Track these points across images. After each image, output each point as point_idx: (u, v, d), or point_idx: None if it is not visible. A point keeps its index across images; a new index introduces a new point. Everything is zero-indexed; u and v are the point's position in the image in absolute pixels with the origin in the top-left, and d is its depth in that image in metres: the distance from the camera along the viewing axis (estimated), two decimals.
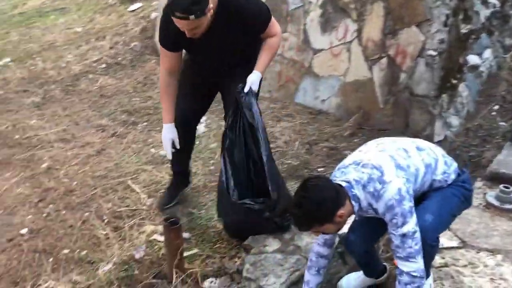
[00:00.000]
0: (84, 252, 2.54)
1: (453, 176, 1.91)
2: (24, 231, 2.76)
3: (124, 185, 3.16)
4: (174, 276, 2.23)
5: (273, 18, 2.43)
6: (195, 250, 2.51)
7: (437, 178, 1.87)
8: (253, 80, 2.38)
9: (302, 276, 2.26)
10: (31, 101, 4.66)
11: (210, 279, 2.31)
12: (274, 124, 3.87)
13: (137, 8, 6.77)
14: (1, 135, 4.00)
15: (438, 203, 1.88)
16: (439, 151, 1.95)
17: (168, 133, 2.53)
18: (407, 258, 1.74)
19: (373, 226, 1.96)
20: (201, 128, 3.89)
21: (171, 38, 2.34)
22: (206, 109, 2.79)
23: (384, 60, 3.52)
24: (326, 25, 3.84)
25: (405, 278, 1.75)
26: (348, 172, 1.81)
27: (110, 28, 6.40)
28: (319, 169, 3.23)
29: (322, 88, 3.97)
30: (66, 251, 2.57)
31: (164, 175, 3.23)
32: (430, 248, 1.84)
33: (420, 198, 1.90)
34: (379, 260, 2.24)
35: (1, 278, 2.42)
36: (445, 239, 2.45)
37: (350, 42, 3.69)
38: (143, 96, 4.69)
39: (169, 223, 2.20)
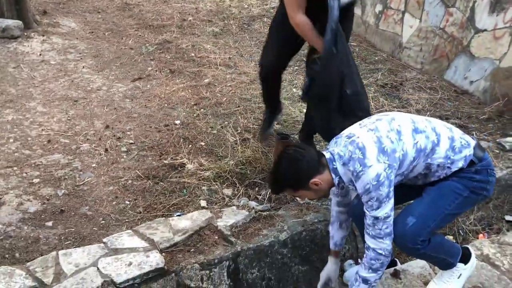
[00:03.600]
0: (215, 148, 3.14)
1: (460, 164, 1.82)
2: (177, 121, 3.47)
3: (261, 110, 3.66)
4: None
5: None
6: None
7: (434, 162, 1.81)
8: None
9: None
10: (211, 29, 5.43)
11: None
12: (414, 93, 3.98)
13: None
14: (182, 51, 4.82)
15: (427, 204, 1.85)
16: (446, 134, 1.83)
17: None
18: (374, 237, 1.80)
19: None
20: None
21: None
22: (290, 60, 3.05)
23: None
24: (496, 5, 3.73)
25: (371, 254, 1.82)
26: (339, 144, 1.84)
27: None
28: None
29: (474, 69, 3.91)
30: (202, 143, 3.20)
31: (296, 111, 3.67)
32: (413, 250, 1.86)
33: (417, 188, 1.90)
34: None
35: (152, 148, 3.15)
36: None
37: None
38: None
39: (279, 136, 2.63)
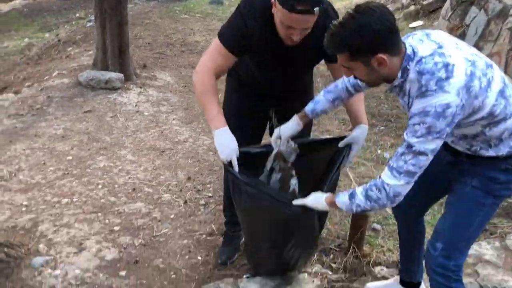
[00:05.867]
0: None
1: (502, 151, 1.60)
2: None
3: (343, 171, 3.57)
4: (351, 249, 2.52)
5: None
6: (379, 241, 2.74)
7: (487, 133, 1.58)
8: (363, 137, 2.08)
9: None
10: None
11: (380, 267, 2.52)
12: None
13: (418, 26, 7.00)
14: None
15: (455, 224, 1.70)
16: None
17: (232, 140, 1.95)
18: (392, 169, 1.54)
19: (427, 191, 1.88)
20: None
21: (244, 38, 1.93)
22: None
23: None
24: None
25: (377, 181, 1.59)
26: (425, 43, 1.52)
27: None
28: None
29: None
30: None
31: (380, 172, 3.50)
32: (437, 276, 1.71)
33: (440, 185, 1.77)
34: (420, 263, 2.07)
35: None
36: None
37: None
38: (391, 104, 4.97)
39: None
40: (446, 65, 1.45)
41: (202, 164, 3.71)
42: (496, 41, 4.58)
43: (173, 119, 4.56)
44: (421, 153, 1.49)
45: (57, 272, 2.43)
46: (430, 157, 1.51)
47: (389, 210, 3.02)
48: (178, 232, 2.85)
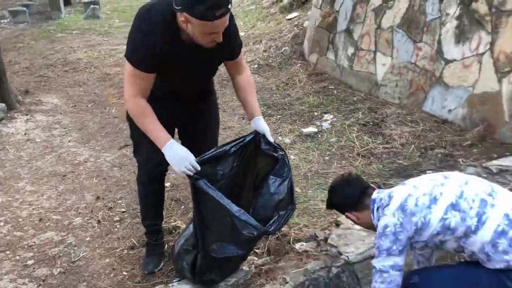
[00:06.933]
0: None
1: (498, 266, 1.59)
2: (167, 184, 3.47)
3: None
4: None
5: None
6: (295, 220, 2.92)
7: (468, 248, 1.66)
8: (267, 129, 2.36)
9: None
10: None
11: (301, 243, 2.69)
12: (396, 128, 4.06)
13: (294, 17, 7.41)
14: None
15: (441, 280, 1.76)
16: (496, 226, 1.60)
17: (181, 150, 1.98)
18: None
19: None
20: (325, 124, 4.28)
21: (152, 55, 1.92)
22: None
23: None
24: (460, 36, 3.90)
25: None
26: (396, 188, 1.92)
27: (267, 34, 7.14)
28: (427, 171, 3.36)
29: (450, 98, 4.02)
30: None
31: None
32: None
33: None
34: None
35: None
36: None
37: (482, 54, 3.70)
38: (283, 94, 5.24)
39: None
40: (389, 195, 1.85)
41: (109, 181, 3.63)
42: (364, 23, 5.03)
43: (69, 141, 4.37)
44: (382, 270, 1.78)
45: None
46: (393, 273, 1.76)
47: (298, 189, 3.23)
48: (98, 252, 2.77)
